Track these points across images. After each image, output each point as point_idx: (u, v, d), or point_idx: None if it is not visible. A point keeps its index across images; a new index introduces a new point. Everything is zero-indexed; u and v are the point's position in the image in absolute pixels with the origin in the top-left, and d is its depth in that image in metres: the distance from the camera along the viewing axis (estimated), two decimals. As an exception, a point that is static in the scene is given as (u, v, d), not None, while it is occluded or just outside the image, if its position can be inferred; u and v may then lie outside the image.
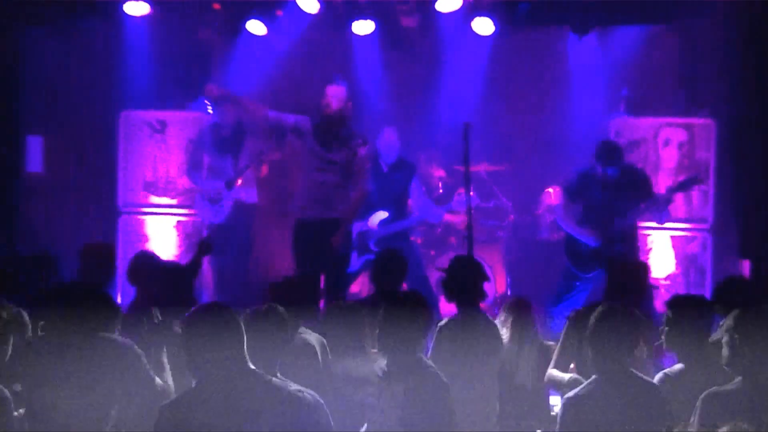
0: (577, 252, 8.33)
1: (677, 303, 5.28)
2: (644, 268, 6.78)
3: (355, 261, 8.70)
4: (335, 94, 8.01)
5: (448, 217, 9.77)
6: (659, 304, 7.69)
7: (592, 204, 8.22)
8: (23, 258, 6.77)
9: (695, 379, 4.85)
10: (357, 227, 8.69)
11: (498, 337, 5.86)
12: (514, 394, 5.96)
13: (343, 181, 7.98)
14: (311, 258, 7.85)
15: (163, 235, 9.80)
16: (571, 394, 4.61)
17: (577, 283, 8.34)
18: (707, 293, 8.31)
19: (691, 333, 5.07)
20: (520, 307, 6.23)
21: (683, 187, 8.34)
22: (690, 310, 5.18)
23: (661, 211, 8.20)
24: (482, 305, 9.22)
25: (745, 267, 8.34)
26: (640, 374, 4.68)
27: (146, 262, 6.90)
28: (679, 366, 5.06)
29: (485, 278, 6.21)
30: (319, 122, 8.04)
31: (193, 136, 9.62)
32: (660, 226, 9.01)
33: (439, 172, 10.33)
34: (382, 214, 8.97)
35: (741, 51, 8.38)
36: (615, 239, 8.05)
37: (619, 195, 8.09)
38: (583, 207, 8.33)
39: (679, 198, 8.81)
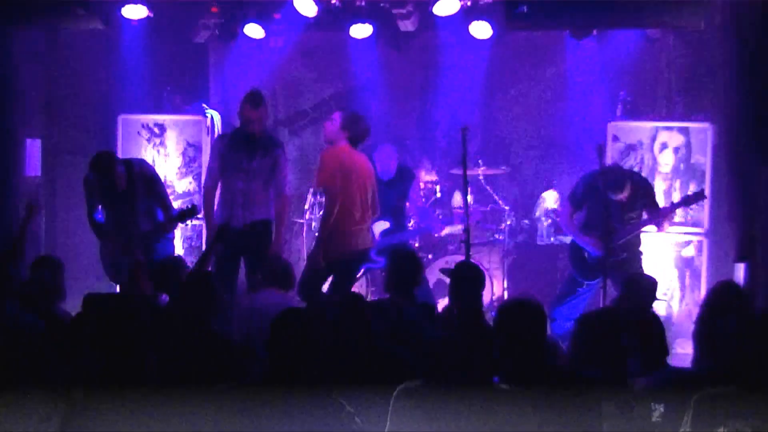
0: (582, 260, 8.41)
1: None
2: (655, 284, 6.93)
3: None
4: (255, 109, 8.14)
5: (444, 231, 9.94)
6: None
7: (596, 212, 8.23)
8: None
9: None
10: None
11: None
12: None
13: (265, 186, 8.21)
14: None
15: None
16: None
17: (579, 289, 8.42)
18: (702, 296, 8.41)
19: None
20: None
21: (687, 203, 8.37)
22: None
23: (662, 225, 8.30)
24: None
25: (740, 270, 8.32)
26: None
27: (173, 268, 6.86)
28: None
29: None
30: (240, 134, 8.23)
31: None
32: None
33: (430, 176, 10.43)
34: (383, 224, 9.03)
35: (738, 56, 8.36)
36: (618, 248, 8.09)
37: (623, 202, 8.17)
38: (587, 214, 8.41)
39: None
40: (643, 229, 8.66)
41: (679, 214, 9.24)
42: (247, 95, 8.13)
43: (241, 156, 8.17)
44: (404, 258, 6.63)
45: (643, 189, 8.37)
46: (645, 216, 8.30)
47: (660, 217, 8.24)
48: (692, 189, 9.12)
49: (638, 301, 6.54)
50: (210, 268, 7.58)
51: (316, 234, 8.15)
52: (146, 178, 8.27)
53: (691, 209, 9.21)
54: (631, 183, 8.22)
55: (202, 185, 8.53)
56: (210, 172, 8.37)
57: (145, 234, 8.11)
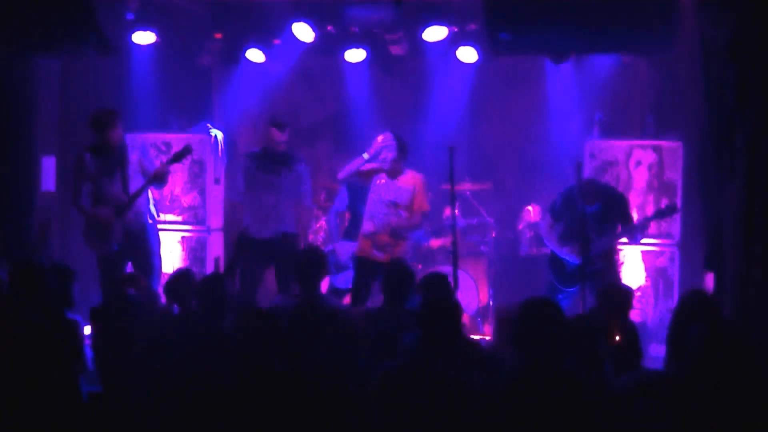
0: (560, 268, 8.58)
1: None
2: (631, 294, 6.97)
3: (348, 279, 8.94)
4: (282, 132, 8.52)
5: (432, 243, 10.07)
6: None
7: (574, 225, 8.39)
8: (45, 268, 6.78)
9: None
10: (351, 248, 9.02)
11: None
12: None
13: (290, 200, 8.56)
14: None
15: (168, 248, 9.76)
16: None
17: (559, 296, 8.50)
18: (674, 303, 8.20)
19: None
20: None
21: (660, 215, 8.55)
22: None
23: (636, 237, 8.45)
24: (465, 315, 9.52)
25: (709, 279, 8.05)
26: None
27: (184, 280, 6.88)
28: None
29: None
30: (266, 152, 8.59)
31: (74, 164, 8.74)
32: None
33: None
34: None
35: (705, 81, 8.09)
36: (594, 257, 8.23)
37: (599, 215, 8.31)
38: (565, 226, 8.54)
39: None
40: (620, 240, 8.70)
41: (652, 227, 9.06)
42: (273, 121, 8.54)
43: (269, 173, 8.52)
44: (401, 271, 6.71)
45: (618, 202, 8.50)
46: (619, 229, 8.38)
47: (634, 230, 8.37)
48: (665, 203, 9.20)
49: (614, 310, 6.59)
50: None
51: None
52: (138, 150, 8.59)
53: (663, 222, 9.23)
54: (606, 196, 8.36)
55: (230, 199, 8.97)
56: (237, 188, 8.74)
57: (135, 193, 8.38)
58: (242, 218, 8.74)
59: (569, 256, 8.41)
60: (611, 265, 8.54)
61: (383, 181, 8.33)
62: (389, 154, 8.23)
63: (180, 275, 6.99)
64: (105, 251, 8.48)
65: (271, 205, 8.55)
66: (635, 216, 8.87)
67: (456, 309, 5.39)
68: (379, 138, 8.30)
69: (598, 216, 8.30)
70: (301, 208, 8.64)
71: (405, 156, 8.34)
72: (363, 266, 8.35)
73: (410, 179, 8.35)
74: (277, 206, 8.55)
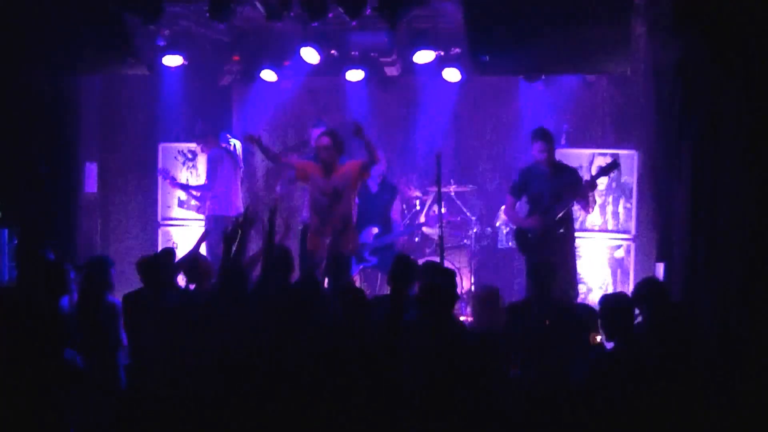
0: (525, 241, 8.68)
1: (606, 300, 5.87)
2: (553, 267, 6.94)
3: (354, 267, 9.00)
4: (325, 139, 8.72)
5: (424, 231, 10.28)
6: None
7: (534, 195, 8.54)
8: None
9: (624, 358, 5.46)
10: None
11: None
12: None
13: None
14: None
15: (192, 242, 9.21)
16: None
17: None
18: (629, 289, 8.10)
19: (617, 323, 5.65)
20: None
21: (605, 172, 8.61)
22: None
23: (587, 197, 8.44)
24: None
25: (660, 268, 8.35)
26: None
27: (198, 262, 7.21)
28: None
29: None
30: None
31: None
32: (594, 230, 9.54)
33: (416, 193, 10.61)
34: (374, 229, 9.46)
35: (656, 97, 8.47)
36: (556, 223, 8.36)
37: (554, 183, 8.44)
38: (528, 199, 8.67)
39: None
40: (580, 235, 8.96)
41: (611, 223, 9.61)
42: (322, 130, 8.91)
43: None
44: (404, 262, 6.82)
45: (572, 173, 8.63)
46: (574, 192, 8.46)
47: (586, 188, 8.42)
48: (622, 203, 9.50)
49: (539, 285, 6.70)
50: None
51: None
52: None
53: (621, 218, 9.47)
54: (561, 170, 8.54)
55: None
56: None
57: None
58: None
59: (533, 226, 8.51)
60: (570, 230, 8.65)
61: (321, 176, 8.52)
62: (326, 154, 8.47)
63: (193, 259, 7.26)
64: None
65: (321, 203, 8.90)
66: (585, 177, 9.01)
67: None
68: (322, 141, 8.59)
69: (555, 187, 8.46)
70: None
71: (341, 153, 8.54)
72: (311, 258, 8.50)
73: (346, 166, 8.52)
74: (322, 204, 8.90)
